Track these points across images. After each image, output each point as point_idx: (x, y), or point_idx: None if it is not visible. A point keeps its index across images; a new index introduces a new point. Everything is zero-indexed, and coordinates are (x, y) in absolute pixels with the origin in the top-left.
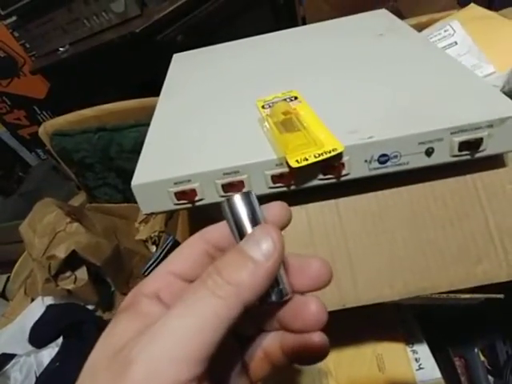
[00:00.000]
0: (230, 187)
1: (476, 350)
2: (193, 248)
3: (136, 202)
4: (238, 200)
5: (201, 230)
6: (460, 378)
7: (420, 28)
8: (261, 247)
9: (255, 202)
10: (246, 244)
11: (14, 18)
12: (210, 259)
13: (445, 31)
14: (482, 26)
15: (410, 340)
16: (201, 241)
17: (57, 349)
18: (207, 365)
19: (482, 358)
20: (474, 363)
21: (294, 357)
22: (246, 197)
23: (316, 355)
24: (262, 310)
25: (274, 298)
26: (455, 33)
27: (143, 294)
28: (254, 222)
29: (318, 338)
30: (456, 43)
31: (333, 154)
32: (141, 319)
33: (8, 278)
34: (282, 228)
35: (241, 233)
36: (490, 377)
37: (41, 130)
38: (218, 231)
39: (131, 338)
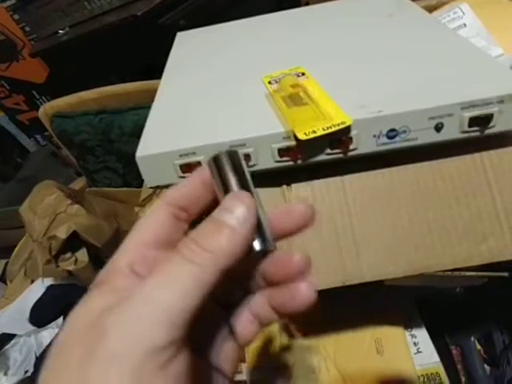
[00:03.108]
0: None
1: (472, 338)
2: (158, 214)
3: (136, 187)
4: (224, 158)
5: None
6: (456, 366)
7: (429, 10)
8: (235, 214)
9: (242, 162)
10: (220, 213)
11: (13, 1)
12: (177, 221)
13: (454, 13)
14: (491, 9)
15: (409, 324)
16: (164, 204)
17: (57, 329)
18: (185, 331)
19: (478, 347)
20: (469, 352)
21: (284, 310)
22: (233, 156)
23: (304, 303)
24: (247, 267)
25: (257, 247)
26: (464, 15)
27: (116, 268)
28: (241, 181)
29: (304, 285)
30: (465, 25)
31: (341, 127)
32: (115, 293)
33: (6, 264)
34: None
35: (227, 192)
36: (486, 366)
37: (41, 112)
38: (177, 192)
39: (104, 309)
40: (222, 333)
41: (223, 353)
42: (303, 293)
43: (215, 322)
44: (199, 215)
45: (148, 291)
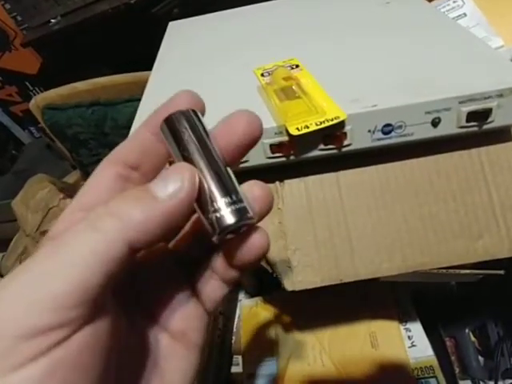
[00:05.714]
0: None
1: (467, 330)
2: (101, 176)
3: None
4: (177, 120)
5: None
6: (450, 357)
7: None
8: (167, 185)
9: (201, 121)
10: (153, 181)
11: None
12: (126, 182)
13: (454, 2)
14: None
15: (403, 318)
16: (108, 164)
17: None
18: (86, 309)
19: (473, 339)
20: (464, 344)
21: (239, 262)
22: (190, 115)
23: (259, 251)
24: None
25: (215, 230)
26: (464, 4)
27: (49, 238)
28: (201, 143)
29: (258, 234)
30: (465, 15)
31: (335, 121)
32: None
33: (2, 257)
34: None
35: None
36: (480, 357)
37: (32, 104)
38: (124, 148)
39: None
40: (182, 294)
41: (185, 316)
42: (257, 241)
43: (172, 283)
44: (154, 173)
45: (34, 263)
